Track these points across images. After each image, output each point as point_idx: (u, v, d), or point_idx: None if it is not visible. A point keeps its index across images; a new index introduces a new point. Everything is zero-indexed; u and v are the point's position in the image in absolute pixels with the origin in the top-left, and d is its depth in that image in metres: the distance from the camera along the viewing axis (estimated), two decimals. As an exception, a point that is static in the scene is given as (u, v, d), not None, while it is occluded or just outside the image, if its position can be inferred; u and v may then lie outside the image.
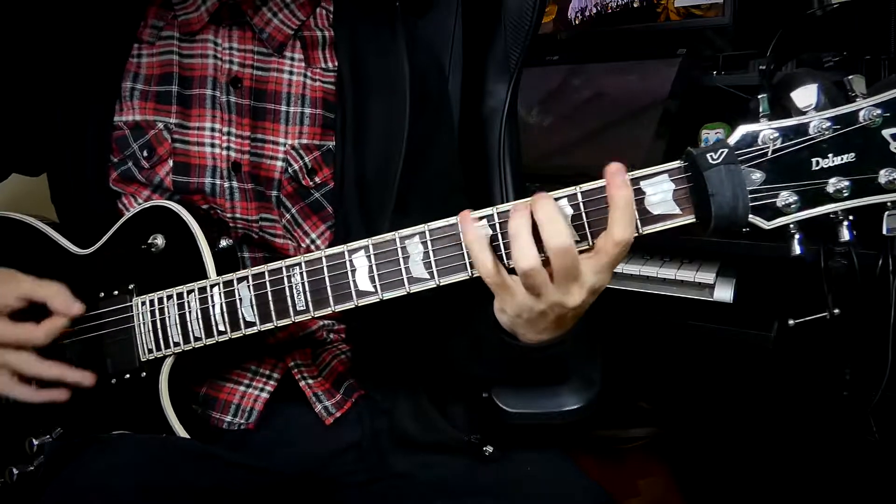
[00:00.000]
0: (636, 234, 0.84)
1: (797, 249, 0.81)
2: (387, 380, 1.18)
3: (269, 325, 0.99)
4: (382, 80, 1.15)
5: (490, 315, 0.96)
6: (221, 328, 1.01)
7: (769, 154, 0.79)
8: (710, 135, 1.77)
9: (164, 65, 1.14)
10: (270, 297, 0.99)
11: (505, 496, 1.02)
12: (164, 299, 1.04)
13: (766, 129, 0.79)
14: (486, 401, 1.07)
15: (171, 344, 1.04)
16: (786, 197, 0.79)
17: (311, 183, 1.13)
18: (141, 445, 0.95)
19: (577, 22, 2.17)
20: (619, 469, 2.34)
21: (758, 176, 0.80)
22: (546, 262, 0.84)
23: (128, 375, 1.06)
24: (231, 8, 1.12)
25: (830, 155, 0.78)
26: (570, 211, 0.86)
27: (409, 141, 1.12)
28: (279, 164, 1.12)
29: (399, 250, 0.92)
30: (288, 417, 1.15)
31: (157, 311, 1.04)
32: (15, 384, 1.06)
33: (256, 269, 0.99)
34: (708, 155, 0.80)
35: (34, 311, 1.05)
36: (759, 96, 0.80)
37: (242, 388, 1.15)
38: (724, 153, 0.80)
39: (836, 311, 1.51)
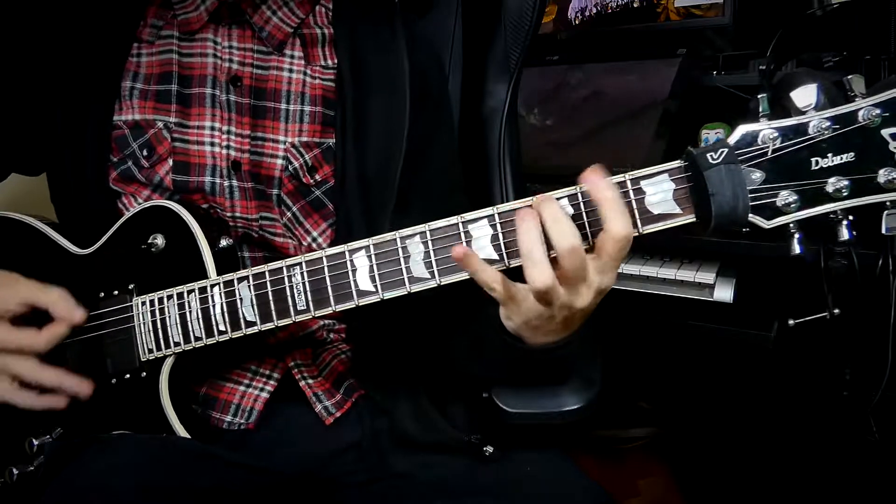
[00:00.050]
0: (637, 234, 0.84)
1: (797, 249, 0.81)
2: (387, 380, 1.18)
3: (269, 325, 0.99)
4: (382, 78, 1.15)
5: (493, 317, 0.96)
6: (222, 328, 1.01)
7: (769, 154, 0.79)
8: (710, 135, 1.77)
9: (164, 64, 1.14)
10: (271, 297, 0.99)
11: (505, 496, 1.02)
12: (165, 299, 1.04)
13: (765, 129, 0.80)
14: (486, 401, 1.07)
15: (172, 344, 1.04)
16: (785, 196, 0.79)
17: (311, 180, 1.13)
18: (141, 445, 0.95)
19: (577, 22, 2.17)
20: (619, 469, 2.34)
21: (758, 175, 0.80)
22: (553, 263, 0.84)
23: (128, 375, 1.06)
24: (230, 7, 1.12)
25: (830, 154, 0.78)
26: (570, 210, 0.86)
27: (409, 139, 1.12)
28: (279, 161, 1.12)
29: (400, 250, 0.92)
30: (288, 417, 1.15)
31: (157, 311, 1.04)
32: (15, 390, 1.05)
33: (257, 269, 0.99)
34: (708, 154, 0.80)
35: (36, 316, 1.05)
36: (759, 96, 0.81)
37: (242, 388, 1.15)
38: (724, 153, 0.80)
39: (836, 311, 1.51)
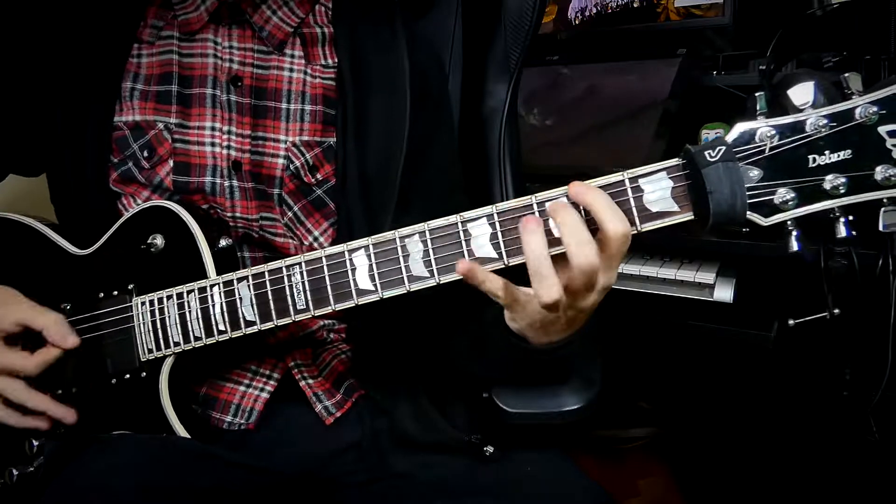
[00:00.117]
0: (635, 232, 0.85)
1: (795, 246, 0.81)
2: (387, 380, 1.18)
3: (269, 325, 0.99)
4: (383, 77, 1.15)
5: (495, 317, 0.96)
6: (221, 328, 1.01)
7: (766, 151, 0.80)
8: (709, 135, 1.76)
9: (164, 64, 1.14)
10: (271, 297, 0.99)
11: (505, 496, 1.02)
12: (164, 299, 1.04)
13: (763, 127, 0.80)
14: (487, 401, 1.07)
15: (171, 344, 1.04)
16: (783, 194, 0.80)
17: (312, 180, 1.14)
18: (141, 445, 0.95)
19: (577, 22, 2.17)
20: (619, 469, 2.34)
21: (755, 173, 0.80)
22: (556, 261, 0.84)
23: (128, 375, 1.06)
24: (230, 7, 1.12)
25: (827, 152, 0.78)
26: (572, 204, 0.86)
27: (409, 138, 1.12)
28: (280, 161, 1.13)
29: (399, 249, 0.92)
30: (288, 417, 1.15)
31: (156, 311, 1.04)
32: (1, 408, 1.06)
33: (256, 269, 1.00)
34: (706, 152, 0.80)
35: (31, 336, 1.06)
36: (757, 94, 0.81)
37: (242, 388, 1.15)
38: (722, 151, 0.80)
39: (836, 311, 1.51)
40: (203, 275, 1.04)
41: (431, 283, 0.92)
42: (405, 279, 0.93)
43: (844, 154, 0.78)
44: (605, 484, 1.03)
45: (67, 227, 1.16)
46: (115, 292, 1.08)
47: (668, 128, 1.76)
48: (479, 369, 1.10)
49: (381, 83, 1.15)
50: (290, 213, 1.14)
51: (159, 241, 1.07)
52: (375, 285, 0.94)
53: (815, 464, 1.80)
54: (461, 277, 0.90)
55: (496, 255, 0.89)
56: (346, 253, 0.95)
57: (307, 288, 0.97)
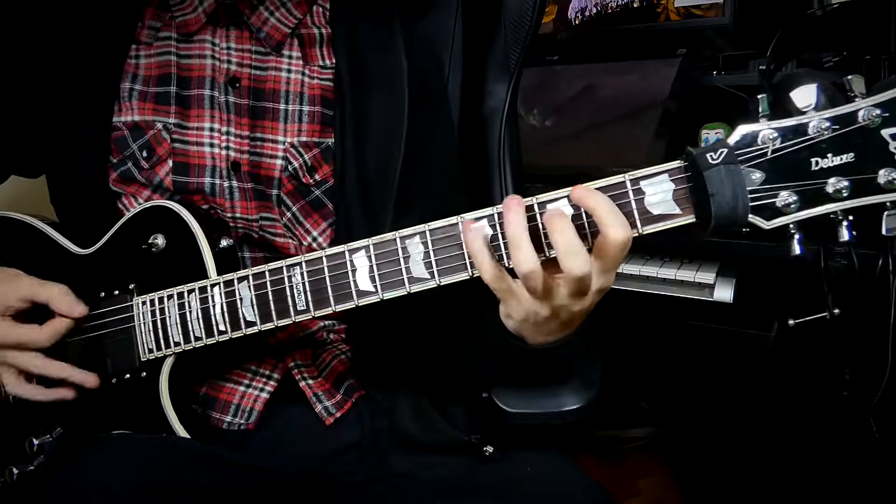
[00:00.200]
0: (636, 234, 0.84)
1: (797, 249, 0.81)
2: (387, 380, 1.18)
3: (269, 325, 0.99)
4: (381, 77, 1.15)
5: (495, 318, 0.96)
6: (222, 328, 1.01)
7: (769, 154, 0.79)
8: (710, 135, 1.77)
9: (163, 66, 1.14)
10: (271, 297, 0.99)
11: (505, 496, 1.02)
12: (165, 299, 1.04)
13: (765, 129, 0.79)
14: (486, 401, 1.07)
15: (172, 344, 1.04)
16: (785, 197, 0.79)
17: (311, 180, 1.13)
18: (141, 445, 0.95)
19: (577, 22, 2.17)
20: (619, 469, 2.34)
21: (757, 176, 0.80)
22: (550, 264, 0.84)
23: (128, 375, 1.06)
24: (228, 8, 1.12)
25: (830, 155, 0.78)
26: (570, 211, 0.85)
27: (408, 138, 1.12)
28: (279, 162, 1.12)
29: (399, 250, 0.92)
30: (288, 417, 1.15)
31: (157, 311, 1.04)
32: (23, 383, 1.06)
33: (257, 269, 0.99)
34: (708, 155, 0.80)
35: (38, 312, 1.06)
36: (759, 96, 0.80)
37: (242, 389, 1.15)
38: (724, 153, 0.80)
39: (836, 311, 1.51)
40: (204, 275, 1.04)
41: (432, 284, 0.92)
42: (406, 280, 0.93)
43: (847, 157, 0.78)
44: (605, 484, 1.03)
45: (68, 227, 1.16)
46: (116, 292, 1.08)
47: (668, 128, 1.76)
48: (479, 369, 1.10)
49: (380, 83, 1.15)
50: (288, 214, 1.14)
51: (160, 240, 1.06)
52: (376, 286, 0.94)
53: (815, 464, 1.80)
54: (462, 279, 0.90)
55: (497, 257, 0.89)
56: (347, 254, 0.95)
57: (307, 288, 0.97)
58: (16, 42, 1.16)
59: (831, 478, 1.76)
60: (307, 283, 0.97)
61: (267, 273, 0.99)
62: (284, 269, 0.98)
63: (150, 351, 1.05)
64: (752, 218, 0.81)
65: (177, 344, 1.03)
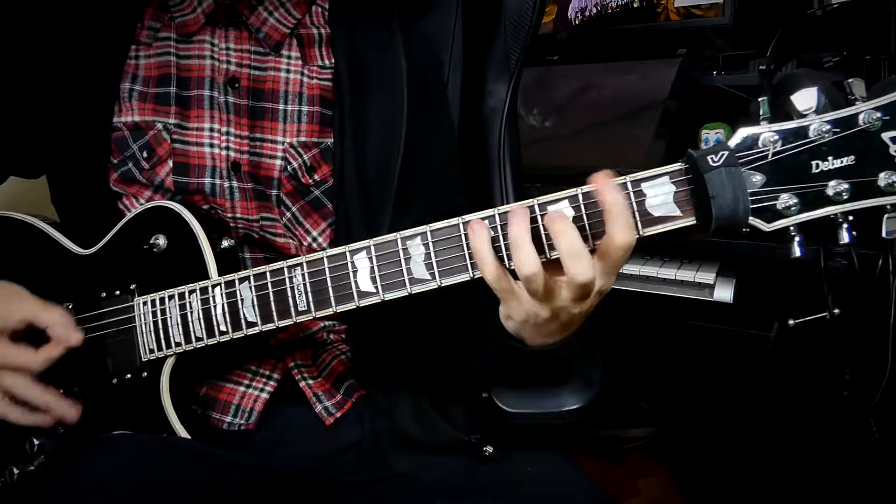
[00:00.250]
0: (637, 236, 0.84)
1: (797, 251, 0.81)
2: (387, 380, 1.18)
3: (270, 326, 0.99)
4: (380, 77, 1.15)
5: (494, 318, 0.96)
6: (223, 328, 1.01)
7: (769, 157, 0.79)
8: (710, 135, 1.77)
9: (162, 66, 1.14)
10: (272, 298, 0.99)
11: (505, 496, 1.02)
12: (166, 299, 1.04)
13: (766, 132, 0.79)
14: (486, 401, 1.07)
15: (173, 344, 1.04)
16: (786, 199, 0.79)
17: (310, 180, 1.13)
18: (141, 445, 0.95)
19: (577, 22, 2.17)
20: (619, 469, 2.34)
21: (758, 178, 0.80)
22: (551, 266, 0.84)
23: (129, 375, 1.06)
24: (227, 8, 1.12)
25: (830, 157, 0.78)
26: (570, 213, 0.85)
27: (407, 138, 1.12)
28: (278, 162, 1.12)
29: (401, 251, 0.92)
30: (288, 418, 1.15)
31: (158, 312, 1.04)
32: (5, 404, 1.06)
33: (258, 270, 0.99)
34: (709, 157, 0.80)
35: (35, 332, 1.06)
36: (760, 99, 0.81)
37: (242, 389, 1.15)
38: (725, 155, 0.80)
39: (836, 311, 1.51)
40: (205, 275, 1.04)
41: (433, 285, 0.92)
42: (406, 281, 0.93)
43: (847, 160, 0.78)
44: (605, 484, 1.03)
45: (70, 227, 1.16)
46: (117, 292, 1.08)
47: (668, 128, 1.76)
48: (480, 370, 1.10)
49: (379, 83, 1.15)
50: (288, 214, 1.14)
51: (162, 241, 1.06)
52: (377, 287, 0.94)
53: (815, 464, 1.80)
54: (463, 280, 0.90)
55: (497, 258, 0.89)
56: (348, 254, 0.95)
57: (308, 289, 0.97)
58: (15, 42, 1.16)
59: (831, 478, 1.76)
60: (308, 284, 0.97)
61: (268, 273, 0.99)
62: (285, 269, 0.98)
63: (151, 351, 1.05)
64: (752, 220, 0.81)
65: (178, 344, 1.03)
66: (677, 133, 1.76)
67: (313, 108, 1.14)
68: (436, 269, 0.91)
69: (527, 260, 0.83)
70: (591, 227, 0.85)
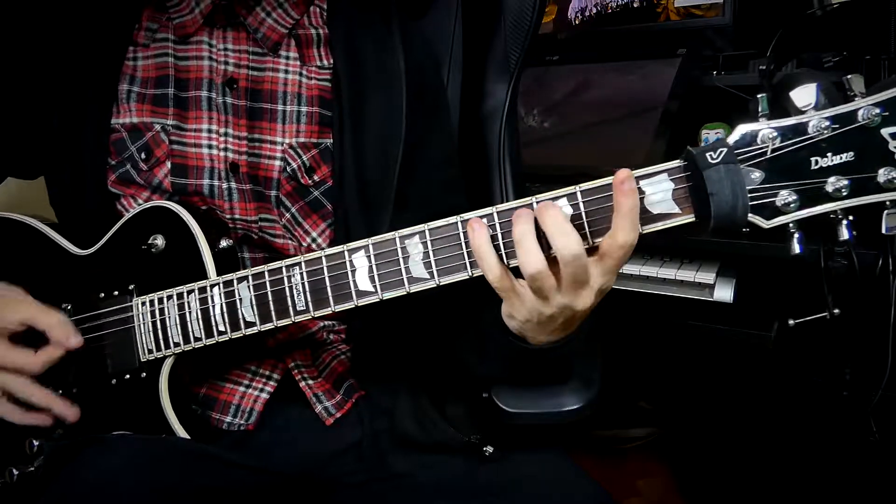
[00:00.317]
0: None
1: (797, 248, 0.81)
2: (387, 380, 1.18)
3: (269, 326, 0.99)
4: (379, 76, 1.15)
5: (496, 318, 0.96)
6: (221, 328, 1.01)
7: (768, 153, 0.79)
8: (710, 135, 1.77)
9: (160, 67, 1.14)
10: (270, 297, 0.99)
11: (505, 496, 1.02)
12: (164, 299, 1.04)
13: (764, 129, 0.79)
14: (486, 401, 1.07)
15: (171, 344, 1.04)
16: (785, 196, 0.79)
17: (309, 181, 1.13)
18: (141, 445, 0.95)
19: (577, 22, 2.17)
20: (619, 469, 2.34)
21: (757, 175, 0.80)
22: (552, 263, 0.84)
23: (128, 376, 1.06)
24: (225, 9, 1.12)
25: (829, 154, 0.78)
26: (569, 210, 0.85)
27: (406, 138, 1.12)
28: (277, 163, 1.12)
29: (399, 250, 0.92)
30: (288, 418, 1.15)
31: (157, 312, 1.04)
32: (4, 403, 1.06)
33: (256, 269, 0.99)
34: (707, 154, 0.80)
35: (34, 334, 1.06)
36: (759, 96, 0.80)
37: (242, 389, 1.15)
38: (724, 152, 0.80)
39: (836, 311, 1.51)
40: (203, 275, 1.04)
41: (431, 284, 0.92)
42: (405, 280, 0.93)
43: (847, 156, 0.78)
44: (605, 484, 1.03)
45: (68, 228, 1.16)
46: (116, 292, 1.08)
47: (668, 128, 1.76)
48: (481, 369, 1.10)
49: (378, 83, 1.15)
50: (287, 215, 1.14)
51: (160, 241, 1.06)
52: (375, 286, 0.94)
53: (815, 464, 1.80)
54: (462, 279, 0.90)
55: (498, 256, 0.89)
56: (346, 254, 0.95)
57: (307, 289, 0.97)
58: (13, 43, 1.16)
59: (831, 478, 1.76)
60: (307, 284, 0.97)
61: (266, 273, 0.99)
62: (284, 269, 0.98)
63: (150, 351, 1.05)
64: (751, 217, 0.81)
65: (176, 344, 1.03)
66: (677, 133, 1.76)
67: (312, 109, 1.14)
68: (434, 268, 0.91)
69: (532, 259, 0.83)
70: (590, 225, 0.85)
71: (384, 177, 1.12)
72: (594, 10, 2.11)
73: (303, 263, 0.97)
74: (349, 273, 0.94)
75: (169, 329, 1.04)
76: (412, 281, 0.92)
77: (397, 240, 0.92)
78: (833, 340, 1.60)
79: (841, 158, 0.78)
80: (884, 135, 0.77)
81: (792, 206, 0.79)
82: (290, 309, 0.98)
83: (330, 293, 0.96)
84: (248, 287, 0.99)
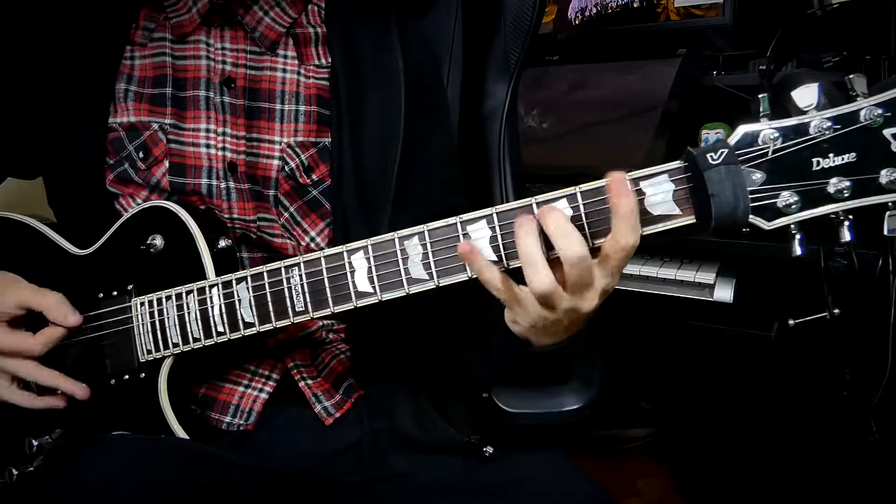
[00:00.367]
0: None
1: (798, 250, 0.81)
2: (387, 380, 1.18)
3: (268, 326, 0.99)
4: (377, 75, 1.15)
5: (498, 319, 0.96)
6: (220, 329, 1.01)
7: (769, 154, 0.79)
8: (710, 135, 1.77)
9: (158, 67, 1.14)
10: (269, 298, 0.98)
11: (505, 496, 1.02)
12: (163, 300, 1.04)
13: (766, 129, 0.79)
14: (486, 401, 1.07)
15: (170, 345, 1.03)
16: (786, 197, 0.79)
17: (308, 180, 1.13)
18: (140, 446, 0.95)
19: (577, 22, 2.17)
20: (619, 469, 2.34)
21: (758, 176, 0.80)
22: (554, 264, 0.84)
23: (127, 376, 1.06)
24: (222, 8, 1.12)
25: (831, 155, 0.78)
26: (569, 212, 0.85)
27: (405, 136, 1.12)
28: (275, 162, 1.12)
29: (398, 251, 0.92)
30: (287, 418, 1.15)
31: (155, 312, 1.04)
32: (14, 390, 1.07)
33: (255, 270, 0.99)
34: (708, 155, 0.80)
35: (34, 318, 1.06)
36: (760, 96, 0.80)
37: (241, 389, 1.14)
38: (725, 153, 0.79)
39: (836, 311, 1.51)
40: (202, 276, 1.04)
41: (430, 285, 0.92)
42: (404, 282, 0.92)
43: (849, 157, 0.77)
44: (605, 484, 1.03)
45: (67, 227, 1.16)
46: (115, 293, 1.08)
47: (668, 128, 1.76)
48: (482, 369, 1.10)
49: (376, 82, 1.15)
50: (286, 214, 1.14)
51: (159, 241, 1.06)
52: (374, 287, 0.94)
53: (815, 464, 1.80)
54: (461, 280, 0.90)
55: (496, 258, 0.88)
56: (346, 255, 0.94)
57: (306, 290, 0.97)
58: (9, 43, 1.16)
59: (831, 478, 1.76)
60: (305, 285, 0.96)
61: (265, 274, 0.98)
62: (283, 270, 0.98)
63: (149, 352, 1.05)
64: (752, 219, 0.80)
65: (175, 345, 1.03)
66: (677, 133, 1.76)
67: (310, 108, 1.14)
68: (433, 269, 0.91)
69: (542, 280, 0.83)
70: (590, 227, 0.85)
71: (383, 176, 1.12)
72: (594, 10, 2.11)
73: (302, 264, 0.96)
74: (348, 274, 0.94)
75: (168, 330, 1.03)
76: (411, 282, 0.92)
77: (396, 241, 0.92)
78: (833, 340, 1.60)
79: (843, 159, 0.77)
80: (886, 135, 0.77)
81: (793, 207, 0.79)
82: (289, 310, 0.98)
83: (329, 294, 0.95)
84: (247, 288, 0.99)
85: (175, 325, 1.03)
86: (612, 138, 1.81)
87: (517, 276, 0.87)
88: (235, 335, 1.01)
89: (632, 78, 1.90)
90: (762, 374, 1.84)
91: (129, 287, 1.07)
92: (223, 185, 1.11)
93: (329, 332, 1.21)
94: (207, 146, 1.11)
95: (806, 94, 0.78)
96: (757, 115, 0.80)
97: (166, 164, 1.11)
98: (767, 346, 1.62)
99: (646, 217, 0.84)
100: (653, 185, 0.84)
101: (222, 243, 1.07)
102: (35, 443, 1.06)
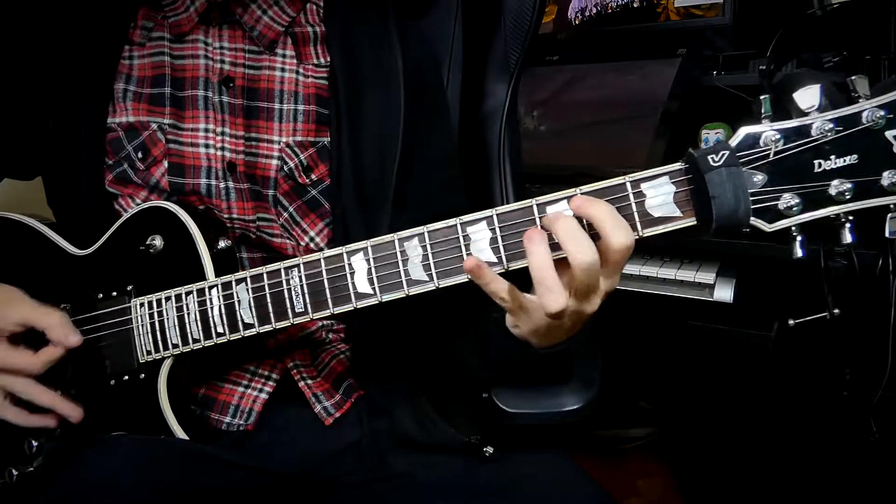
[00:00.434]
0: (637, 237, 0.84)
1: (799, 252, 0.81)
2: (386, 380, 1.18)
3: (267, 327, 0.99)
4: (376, 74, 1.15)
5: (499, 321, 0.96)
6: (220, 330, 1.01)
7: (771, 156, 0.79)
8: (710, 135, 1.77)
9: (156, 66, 1.13)
10: (269, 299, 0.98)
11: (505, 496, 1.02)
12: (163, 301, 1.04)
13: (767, 131, 0.79)
14: (486, 401, 1.07)
15: (170, 346, 1.03)
16: (788, 199, 0.79)
17: (307, 180, 1.13)
18: (140, 446, 0.94)
19: (577, 22, 2.17)
20: (619, 469, 2.34)
21: (759, 178, 0.79)
22: (558, 265, 0.84)
23: (126, 377, 1.06)
24: (220, 7, 1.12)
25: (833, 157, 0.77)
26: (569, 213, 0.85)
27: (404, 136, 1.12)
28: (274, 162, 1.12)
29: (398, 253, 0.92)
30: (287, 418, 1.15)
31: (155, 313, 1.04)
32: (7, 405, 1.06)
33: (255, 271, 0.99)
34: (709, 157, 0.79)
35: (34, 334, 1.05)
36: (762, 97, 0.80)
37: (241, 389, 1.14)
38: (726, 155, 0.79)
39: (836, 311, 1.51)
40: (202, 276, 1.03)
41: (430, 287, 0.91)
42: (404, 283, 0.92)
43: (850, 159, 0.77)
44: (605, 484, 1.03)
45: (66, 228, 1.15)
46: (114, 293, 1.08)
47: (668, 128, 1.76)
48: (482, 370, 1.10)
49: (375, 81, 1.15)
50: (285, 214, 1.13)
51: (158, 241, 1.06)
52: (374, 289, 0.93)
53: (815, 464, 1.80)
54: (461, 281, 0.90)
55: (496, 259, 0.88)
56: (345, 256, 0.94)
57: (305, 291, 0.96)
58: (7, 43, 1.15)
59: (831, 478, 1.76)
60: (305, 286, 0.96)
61: (265, 275, 0.98)
62: (282, 271, 0.97)
63: (149, 353, 1.04)
64: (753, 221, 0.80)
65: (175, 346, 1.03)
66: (677, 133, 1.76)
67: (309, 107, 1.14)
68: (433, 271, 0.91)
69: (556, 300, 0.82)
70: (590, 227, 0.85)
71: (382, 176, 1.11)
72: (594, 10, 2.11)
73: (301, 265, 0.96)
74: (348, 275, 0.94)
75: (167, 330, 1.03)
76: (411, 283, 0.92)
77: (396, 242, 0.92)
78: (833, 340, 1.60)
79: (844, 161, 0.77)
80: (888, 137, 0.76)
81: (794, 209, 0.79)
82: (289, 311, 0.97)
83: (328, 295, 0.95)
84: (247, 289, 0.99)
85: (175, 326, 1.03)
86: (612, 138, 1.81)
87: (517, 276, 0.87)
88: (235, 336, 1.00)
89: (632, 78, 1.90)
90: (762, 374, 1.84)
91: (129, 288, 1.07)
92: (222, 185, 1.11)
93: (329, 332, 1.21)
94: (206, 146, 1.11)
95: (807, 96, 0.78)
96: (758, 117, 0.80)
97: (165, 164, 1.11)
98: (767, 346, 1.62)
99: (646, 219, 0.84)
100: (653, 186, 0.83)
101: (222, 244, 1.07)
102: (35, 443, 1.06)
